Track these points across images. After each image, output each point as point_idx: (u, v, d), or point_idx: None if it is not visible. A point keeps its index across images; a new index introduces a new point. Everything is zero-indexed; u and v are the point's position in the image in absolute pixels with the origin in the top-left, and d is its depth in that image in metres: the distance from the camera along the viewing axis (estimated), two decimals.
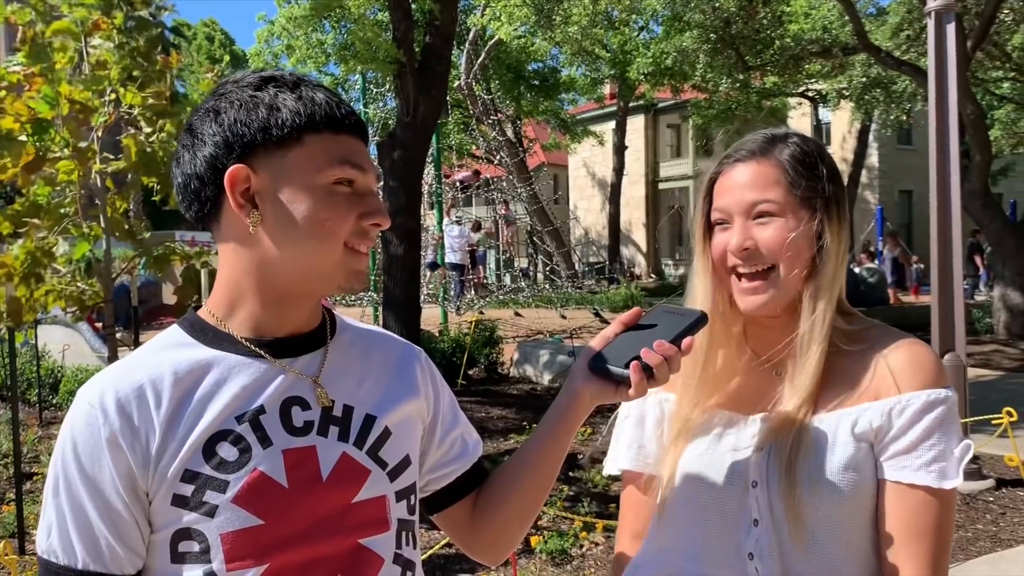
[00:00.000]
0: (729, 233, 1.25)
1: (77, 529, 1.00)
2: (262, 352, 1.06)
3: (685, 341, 1.12)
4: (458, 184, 17.93)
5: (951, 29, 5.65)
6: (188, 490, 0.99)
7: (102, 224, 4.68)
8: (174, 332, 1.10)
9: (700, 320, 1.15)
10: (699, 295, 1.30)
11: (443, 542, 4.04)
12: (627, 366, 1.10)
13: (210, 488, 0.99)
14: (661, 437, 1.34)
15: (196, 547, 1.00)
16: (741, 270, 1.24)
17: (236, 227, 1.05)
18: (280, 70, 1.09)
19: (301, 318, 1.10)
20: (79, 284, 4.37)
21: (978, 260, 19.89)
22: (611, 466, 1.41)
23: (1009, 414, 4.93)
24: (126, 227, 4.53)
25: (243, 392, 1.04)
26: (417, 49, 8.45)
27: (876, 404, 1.20)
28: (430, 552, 4.01)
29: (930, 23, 5.70)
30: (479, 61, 18.72)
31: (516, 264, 21.40)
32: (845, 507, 1.18)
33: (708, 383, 1.30)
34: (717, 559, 1.25)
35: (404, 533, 1.12)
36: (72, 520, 1.00)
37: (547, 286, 17.96)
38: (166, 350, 1.06)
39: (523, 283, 18.60)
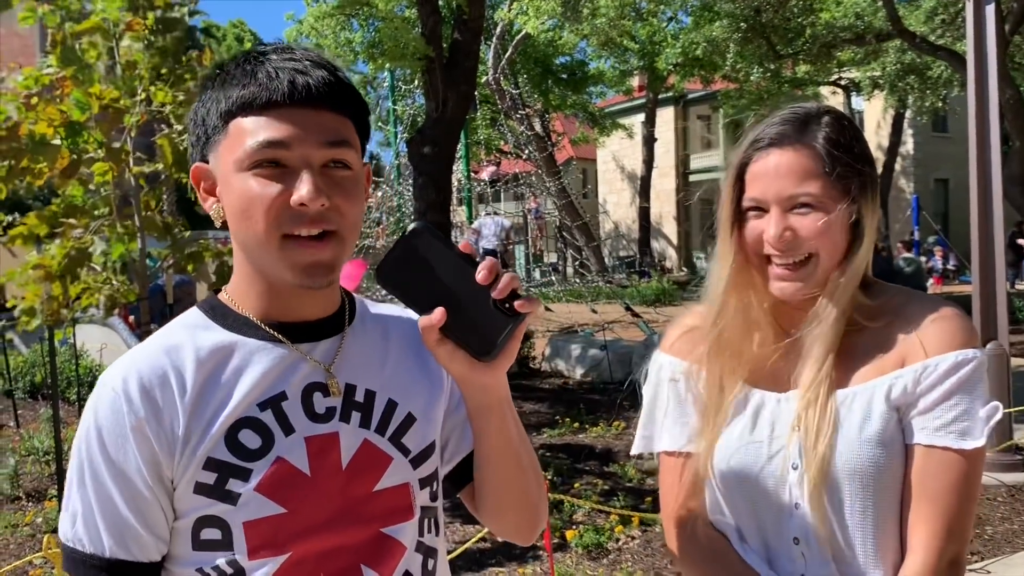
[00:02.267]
0: (764, 221, 1.22)
1: (104, 517, 0.99)
2: (281, 337, 1.04)
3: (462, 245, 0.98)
4: (485, 180, 17.92)
5: (991, 11, 5.52)
6: (211, 478, 0.98)
7: (137, 223, 4.73)
8: (194, 314, 1.08)
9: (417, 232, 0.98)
10: (718, 280, 1.28)
11: (477, 536, 4.03)
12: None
13: (233, 476, 0.98)
14: (697, 417, 1.31)
15: (218, 535, 0.99)
16: (778, 260, 1.22)
17: None
18: (256, 47, 1.03)
19: (309, 305, 1.06)
20: (114, 282, 4.42)
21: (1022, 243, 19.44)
22: (645, 446, 1.38)
23: None
24: (160, 225, 4.58)
25: (264, 378, 1.02)
26: (445, 45, 8.44)
27: (907, 370, 1.18)
28: (465, 546, 4.00)
29: (969, 6, 5.57)
30: (507, 56, 18.68)
31: (546, 259, 21.36)
32: (881, 481, 1.17)
33: (741, 363, 1.27)
34: (767, 543, 1.25)
35: (427, 520, 1.10)
36: (99, 508, 0.99)
37: (577, 280, 17.90)
38: (187, 331, 1.05)
39: (553, 278, 18.56)
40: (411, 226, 0.99)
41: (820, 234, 1.19)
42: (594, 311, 13.04)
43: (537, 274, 20.15)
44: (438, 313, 0.95)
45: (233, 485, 0.98)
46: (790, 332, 1.27)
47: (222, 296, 1.09)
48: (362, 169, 1.06)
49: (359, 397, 1.06)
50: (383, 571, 1.04)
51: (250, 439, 0.99)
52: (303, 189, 0.96)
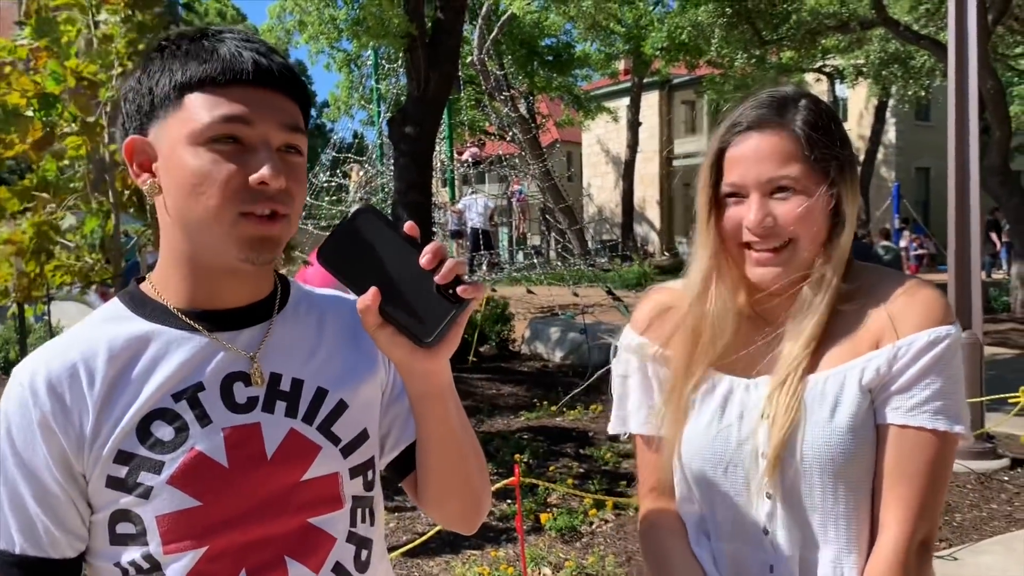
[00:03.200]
0: (744, 207, 1.20)
1: (13, 514, 0.98)
2: (199, 326, 1.02)
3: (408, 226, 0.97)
4: (468, 161, 17.83)
5: (972, 2, 5.53)
6: (122, 471, 0.96)
7: (111, 199, 4.66)
8: (113, 305, 1.06)
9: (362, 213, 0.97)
10: (698, 267, 1.26)
11: None
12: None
13: (145, 469, 0.96)
14: (661, 401, 1.31)
15: (133, 529, 0.97)
16: (757, 246, 1.20)
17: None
18: (207, 26, 1.02)
19: (237, 290, 1.04)
20: (87, 259, 4.36)
21: (995, 237, 19.64)
22: (619, 427, 1.38)
23: None
24: (135, 202, 4.52)
25: (181, 368, 1.00)
26: (428, 24, 8.37)
27: (881, 351, 1.17)
28: (437, 528, 4.01)
29: None
30: (492, 36, 18.55)
31: (528, 241, 21.33)
32: (853, 467, 1.16)
33: (713, 349, 1.26)
34: (738, 534, 1.24)
35: (360, 510, 1.08)
36: (8, 505, 0.98)
37: (559, 264, 17.90)
38: (104, 324, 1.03)
39: (535, 260, 18.55)
40: (354, 207, 0.98)
41: (801, 219, 1.17)
42: (575, 294, 13.07)
43: (520, 256, 20.12)
44: (371, 293, 0.94)
45: (144, 478, 0.96)
46: (766, 318, 1.26)
47: (144, 285, 1.07)
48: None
49: (284, 386, 1.04)
50: (310, 563, 1.02)
51: (163, 431, 0.97)
52: (265, 167, 0.95)
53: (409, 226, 0.96)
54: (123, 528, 0.98)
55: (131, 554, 0.98)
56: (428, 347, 0.96)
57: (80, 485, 0.98)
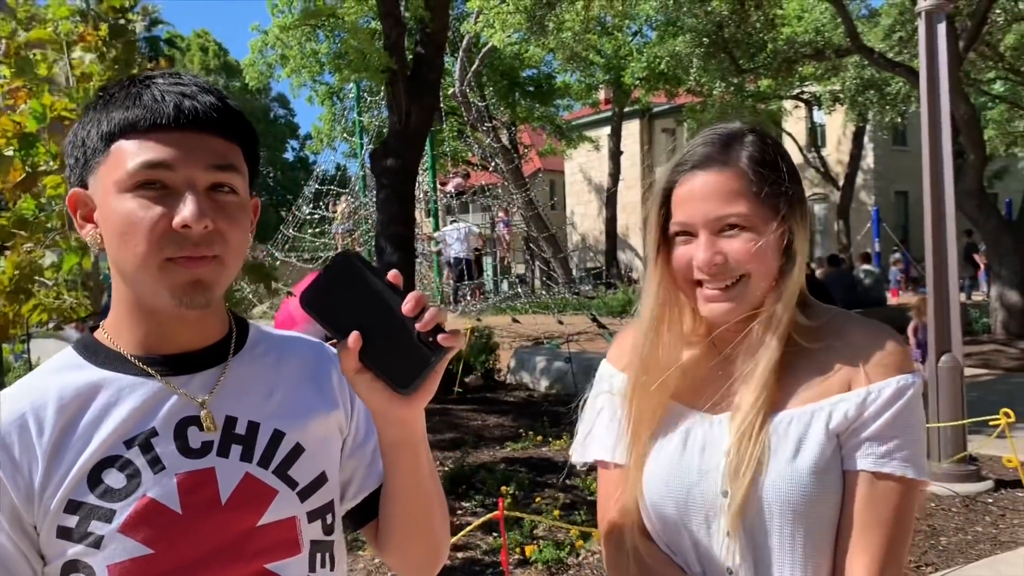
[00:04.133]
0: (693, 246, 1.20)
1: None
2: (151, 371, 1.01)
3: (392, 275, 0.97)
4: (452, 192, 17.89)
5: (942, 29, 5.63)
6: (72, 521, 0.95)
7: None
8: (67, 354, 1.05)
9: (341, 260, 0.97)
10: (650, 307, 1.27)
11: None
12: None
13: (95, 518, 0.95)
14: (629, 431, 1.29)
15: None
16: (708, 284, 1.20)
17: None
18: (143, 73, 1.03)
19: (186, 334, 1.04)
20: (67, 297, 4.33)
21: (978, 258, 19.82)
22: (580, 455, 1.36)
23: (1007, 415, 4.89)
24: None
25: (133, 415, 0.99)
26: (409, 57, 8.43)
27: (849, 395, 1.17)
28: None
29: (921, 23, 5.68)
30: (473, 68, 18.71)
31: (513, 270, 21.36)
32: (816, 509, 1.15)
33: (670, 381, 1.25)
34: (706, 571, 1.22)
35: (319, 554, 1.07)
36: None
37: (544, 292, 17.92)
38: (55, 374, 1.02)
39: (520, 289, 18.56)
40: (336, 252, 0.98)
41: (753, 256, 1.17)
42: (560, 322, 13.07)
43: (504, 285, 20.13)
44: (352, 338, 0.94)
45: (95, 527, 0.95)
46: (720, 348, 1.25)
47: (99, 332, 1.06)
48: (248, 197, 1.04)
49: (240, 429, 1.03)
50: None
51: (115, 479, 0.96)
52: (186, 210, 0.94)
53: (393, 274, 0.97)
54: None
55: None
56: (405, 395, 0.96)
57: (31, 537, 0.96)
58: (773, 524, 1.16)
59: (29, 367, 8.28)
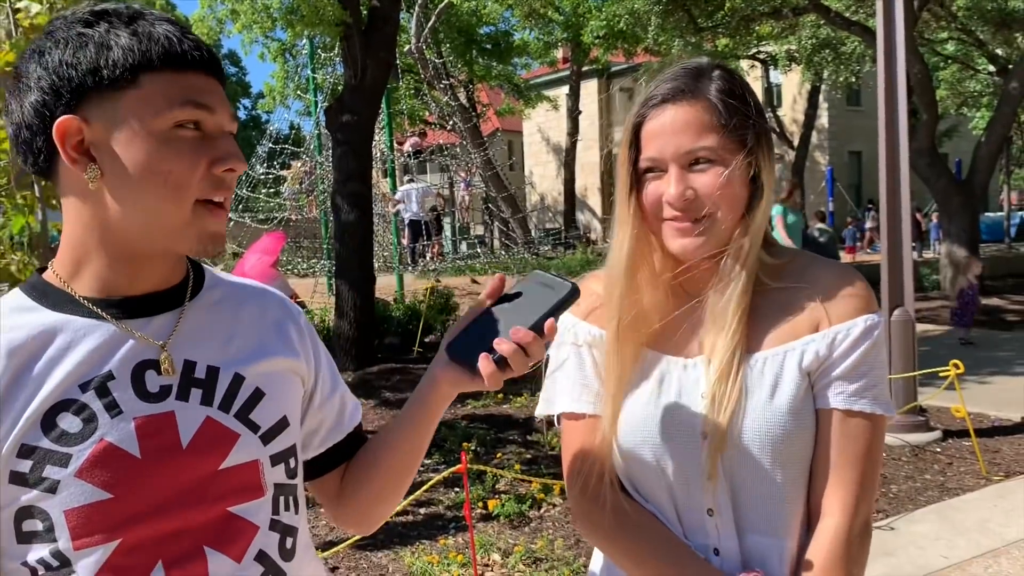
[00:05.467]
0: (663, 182, 1.19)
1: None
2: (105, 315, 0.99)
3: (548, 323, 1.03)
4: (409, 151, 17.69)
5: None
6: (26, 466, 0.92)
7: (36, 194, 4.50)
8: (14, 296, 1.01)
9: (571, 295, 1.06)
10: (620, 245, 1.24)
11: (398, 509, 4.01)
12: (480, 356, 1.04)
13: (50, 463, 0.92)
14: (598, 381, 1.28)
15: (40, 525, 0.93)
16: (679, 220, 1.19)
17: (75, 181, 0.96)
18: (118, 3, 0.98)
19: (156, 276, 1.02)
20: (12, 257, 4.20)
21: (919, 218, 20.19)
22: (545, 408, 1.34)
23: (956, 366, 5.03)
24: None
25: (89, 358, 0.96)
26: (364, 11, 8.26)
27: (819, 335, 1.18)
28: (386, 519, 3.98)
29: None
30: (429, 24, 18.41)
31: (472, 231, 21.29)
32: (792, 448, 1.17)
33: (642, 327, 1.25)
34: (683, 517, 1.23)
35: (283, 498, 1.06)
36: None
37: (503, 252, 17.92)
38: (5, 316, 0.98)
39: (479, 250, 18.53)
40: (571, 284, 1.08)
41: (720, 189, 1.17)
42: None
43: (464, 246, 20.07)
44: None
45: (50, 472, 0.92)
46: (693, 295, 1.25)
47: (47, 274, 1.02)
48: None
49: (199, 373, 1.01)
50: (231, 552, 0.99)
51: (70, 422, 0.93)
52: (232, 156, 0.96)
53: (549, 325, 1.04)
54: (29, 525, 0.93)
55: (39, 552, 0.93)
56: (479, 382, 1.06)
57: None
58: (752, 463, 1.17)
59: None
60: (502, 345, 1.02)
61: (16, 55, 4.34)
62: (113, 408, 0.95)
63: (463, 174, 19.15)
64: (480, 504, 4.52)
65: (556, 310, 1.05)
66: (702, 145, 1.17)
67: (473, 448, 5.41)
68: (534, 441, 5.77)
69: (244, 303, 1.11)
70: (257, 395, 1.04)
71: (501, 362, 1.02)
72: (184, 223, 0.95)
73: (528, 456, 5.41)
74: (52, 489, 0.92)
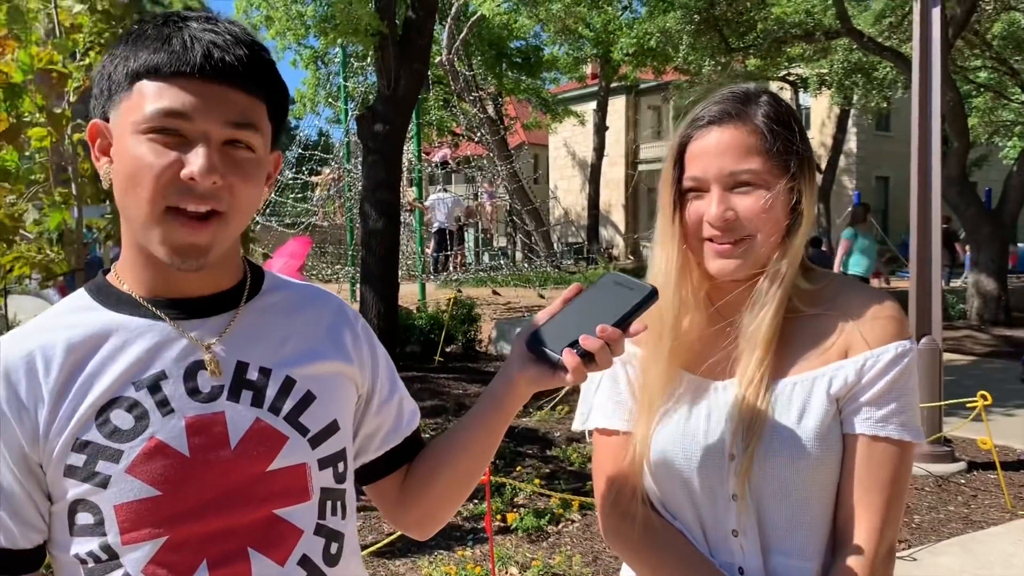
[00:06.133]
0: (705, 202, 1.20)
1: None
2: (162, 315, 1.01)
3: (634, 325, 1.06)
4: (437, 162, 17.78)
5: (936, 14, 5.64)
6: (79, 460, 0.95)
7: (73, 191, 4.57)
8: (78, 296, 1.05)
9: (651, 296, 1.08)
10: (663, 263, 1.26)
11: None
12: (564, 351, 1.05)
13: (102, 458, 0.95)
14: (632, 399, 1.30)
15: (91, 519, 0.96)
16: (718, 239, 1.20)
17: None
18: (176, 11, 1.00)
19: (196, 283, 1.03)
20: (48, 252, 4.27)
21: (958, 248, 19.91)
22: (580, 423, 1.36)
23: (984, 397, 4.97)
24: (98, 190, 4.44)
25: (143, 357, 0.99)
26: (398, 22, 8.34)
27: (848, 362, 1.19)
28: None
29: (916, 8, 5.69)
30: (461, 37, 18.51)
31: (495, 243, 21.32)
32: (819, 473, 1.18)
33: (677, 347, 1.26)
34: (706, 535, 1.24)
35: (330, 502, 1.06)
36: None
37: (526, 265, 17.93)
38: (66, 314, 1.02)
39: (502, 262, 18.55)
40: (651, 286, 1.10)
41: (761, 213, 1.18)
42: (542, 295, 13.10)
43: (486, 258, 20.10)
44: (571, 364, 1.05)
45: (102, 467, 0.94)
46: (728, 317, 1.26)
47: (110, 275, 1.06)
48: (268, 155, 1.02)
49: (251, 375, 1.03)
50: (275, 555, 1.00)
51: (122, 419, 0.96)
52: (195, 163, 0.93)
53: (636, 326, 1.07)
54: (82, 519, 0.96)
55: (89, 544, 0.96)
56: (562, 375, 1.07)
57: (37, 476, 0.96)
58: (778, 486, 1.18)
59: (6, 323, 8.18)
60: (588, 341, 1.03)
61: (58, 56, 4.42)
62: (165, 406, 0.97)
63: (487, 186, 19.19)
64: (499, 517, 4.52)
65: (637, 310, 1.06)
66: (745, 168, 1.18)
67: (492, 461, 5.41)
68: (553, 456, 5.76)
69: (301, 307, 1.12)
70: (308, 398, 1.05)
71: (585, 357, 1.04)
72: (152, 229, 0.96)
73: (547, 471, 5.40)
74: (104, 484, 0.94)
